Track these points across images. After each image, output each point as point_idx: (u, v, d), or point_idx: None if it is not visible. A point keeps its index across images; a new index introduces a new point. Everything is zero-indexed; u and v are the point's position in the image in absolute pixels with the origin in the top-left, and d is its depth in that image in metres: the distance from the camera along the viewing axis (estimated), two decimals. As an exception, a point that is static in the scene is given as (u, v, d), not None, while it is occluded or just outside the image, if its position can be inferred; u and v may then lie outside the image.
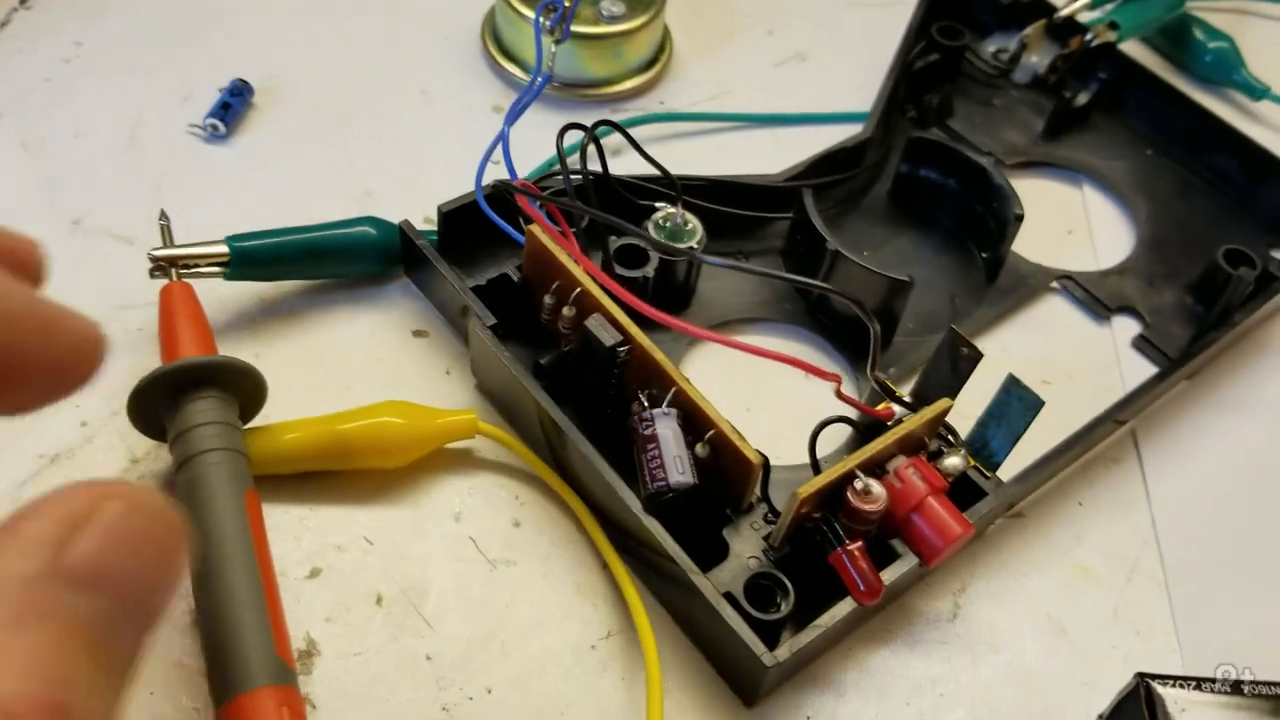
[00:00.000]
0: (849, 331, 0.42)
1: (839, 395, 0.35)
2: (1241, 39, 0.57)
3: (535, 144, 0.43)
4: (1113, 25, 0.53)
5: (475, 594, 0.34)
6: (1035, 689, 0.35)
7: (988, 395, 0.36)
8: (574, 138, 0.38)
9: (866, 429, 0.38)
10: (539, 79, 0.40)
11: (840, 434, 0.39)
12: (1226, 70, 0.56)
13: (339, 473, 0.36)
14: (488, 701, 0.32)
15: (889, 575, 0.33)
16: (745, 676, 0.33)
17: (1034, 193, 0.50)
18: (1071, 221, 0.49)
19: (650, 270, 0.40)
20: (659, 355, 0.35)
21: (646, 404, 0.35)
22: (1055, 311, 0.45)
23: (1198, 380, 0.44)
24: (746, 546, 0.35)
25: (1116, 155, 0.52)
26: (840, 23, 0.57)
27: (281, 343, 0.40)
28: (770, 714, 0.33)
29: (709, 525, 0.35)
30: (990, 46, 0.55)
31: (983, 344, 0.44)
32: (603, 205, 0.41)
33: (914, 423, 0.34)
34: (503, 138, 0.39)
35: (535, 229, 0.37)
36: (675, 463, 0.33)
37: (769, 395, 0.40)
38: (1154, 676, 0.30)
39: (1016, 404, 0.36)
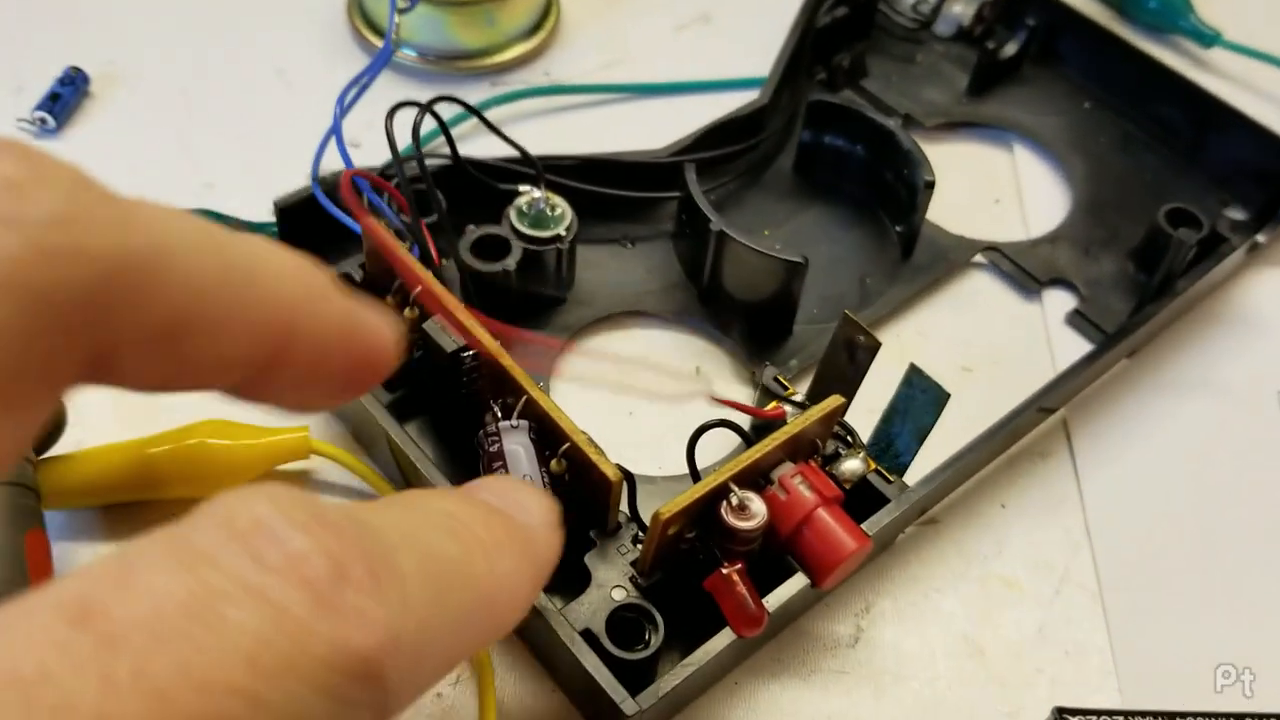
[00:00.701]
0: (744, 322, 0.38)
1: (714, 400, 0.31)
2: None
3: (405, 126, 0.39)
4: (1042, -32, 0.48)
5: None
6: (947, 723, 0.30)
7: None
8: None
9: (758, 433, 0.34)
10: (384, 52, 0.36)
11: (735, 441, 0.35)
12: (1172, 16, 0.52)
13: (156, 502, 0.32)
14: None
15: (775, 600, 0.29)
16: (609, 725, 0.29)
17: (958, 157, 0.45)
18: (999, 186, 0.45)
19: (512, 263, 0.35)
20: (506, 360, 0.30)
21: (500, 415, 0.30)
22: (979, 288, 0.41)
23: (1138, 359, 0.39)
24: (611, 574, 0.30)
25: (1050, 110, 0.47)
26: (751, -20, 0.53)
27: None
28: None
29: (570, 551, 0.31)
30: (909, -2, 0.50)
31: (898, 328, 0.40)
32: (458, 193, 0.37)
33: (799, 424, 0.30)
34: (335, 120, 0.34)
35: (372, 222, 0.33)
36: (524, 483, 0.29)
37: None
38: (1074, 711, 0.26)
39: (921, 397, 0.32)
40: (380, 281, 0.34)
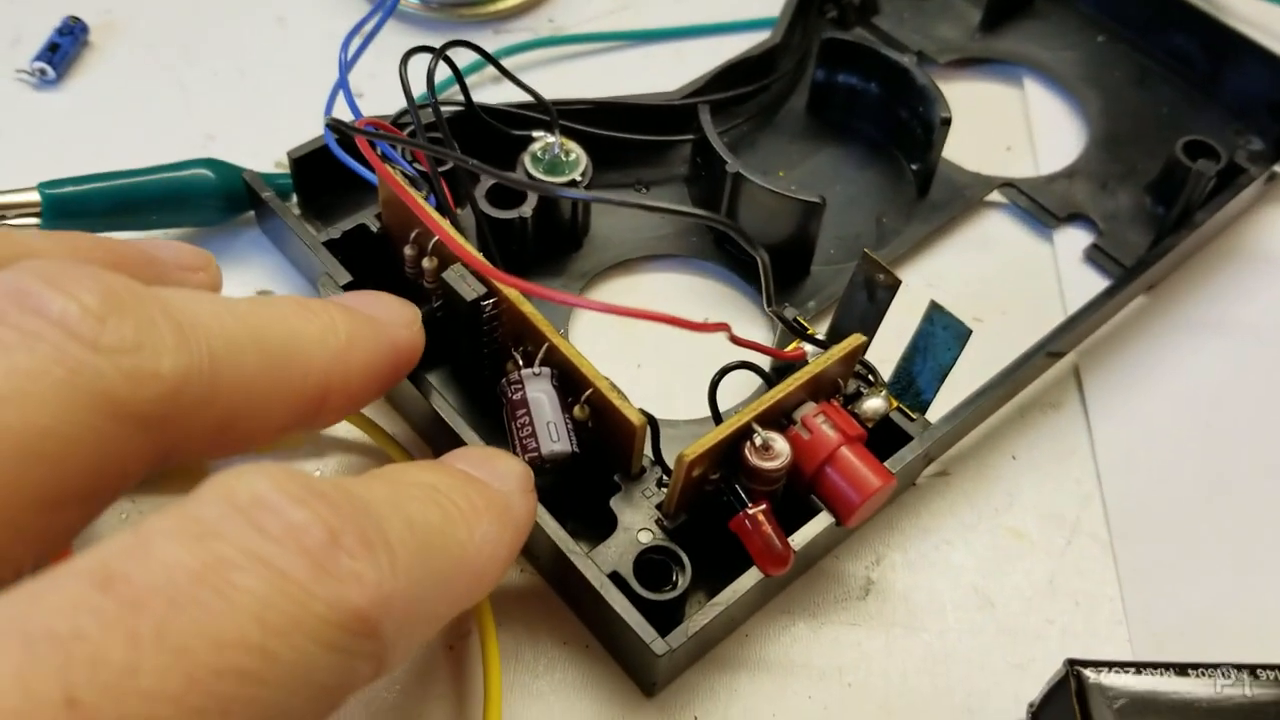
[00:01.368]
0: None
1: (733, 340, 0.31)
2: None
3: (416, 75, 0.38)
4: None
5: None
6: (958, 675, 0.30)
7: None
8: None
9: (779, 374, 0.34)
10: (390, -3, 0.35)
11: (756, 383, 0.35)
12: (1187, -57, 0.51)
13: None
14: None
15: (800, 539, 0.29)
16: (639, 666, 0.29)
17: (972, 93, 0.45)
18: (1014, 122, 0.44)
19: (528, 210, 0.35)
20: (527, 308, 0.30)
21: (521, 363, 0.30)
22: (997, 225, 0.41)
23: (1155, 296, 0.39)
24: (638, 517, 0.30)
25: (1064, 45, 0.47)
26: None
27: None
28: (670, 705, 0.29)
29: (595, 496, 0.31)
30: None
31: (915, 266, 0.39)
32: (472, 139, 0.36)
33: (821, 364, 0.30)
34: (342, 70, 0.34)
35: (389, 170, 0.33)
36: (548, 429, 0.29)
37: (672, 345, 0.36)
38: (1085, 663, 0.26)
39: (942, 334, 0.32)
40: (395, 232, 0.34)
